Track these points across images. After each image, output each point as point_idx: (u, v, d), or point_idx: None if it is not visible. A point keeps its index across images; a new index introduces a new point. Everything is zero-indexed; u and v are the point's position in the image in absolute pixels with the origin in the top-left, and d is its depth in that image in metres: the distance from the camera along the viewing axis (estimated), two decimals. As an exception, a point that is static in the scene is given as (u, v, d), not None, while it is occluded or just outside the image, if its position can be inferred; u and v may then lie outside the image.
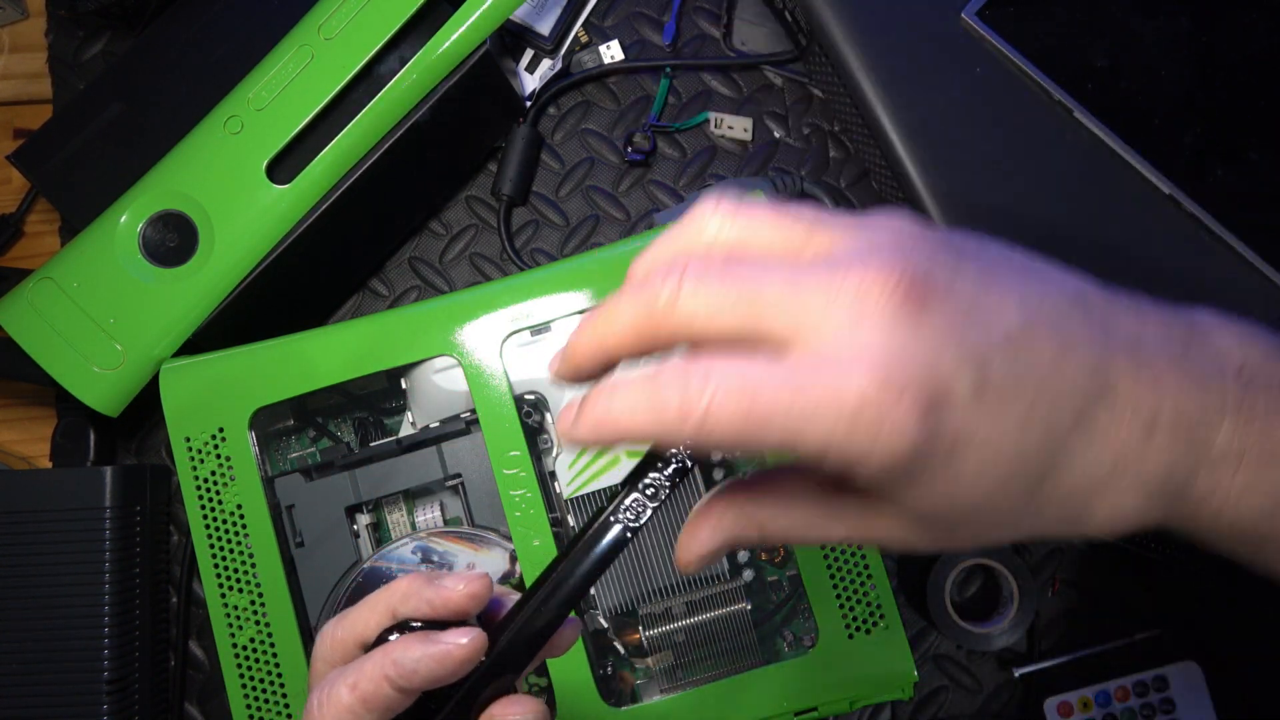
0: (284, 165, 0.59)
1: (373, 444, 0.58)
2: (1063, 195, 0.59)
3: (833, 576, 0.52)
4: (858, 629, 0.51)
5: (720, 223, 0.30)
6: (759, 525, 0.32)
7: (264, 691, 0.53)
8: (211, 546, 0.54)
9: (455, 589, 0.35)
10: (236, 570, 0.54)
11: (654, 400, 0.28)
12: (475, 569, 0.55)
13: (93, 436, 0.64)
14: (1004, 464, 0.28)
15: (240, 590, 0.53)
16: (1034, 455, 0.28)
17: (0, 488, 0.60)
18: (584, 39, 0.68)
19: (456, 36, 0.59)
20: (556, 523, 0.54)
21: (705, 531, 0.32)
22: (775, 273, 0.27)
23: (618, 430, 0.29)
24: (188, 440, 0.55)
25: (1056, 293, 0.29)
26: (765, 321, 0.27)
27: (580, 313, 0.55)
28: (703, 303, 0.28)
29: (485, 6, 0.58)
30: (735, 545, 0.32)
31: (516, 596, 0.36)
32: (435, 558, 0.56)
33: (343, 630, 0.37)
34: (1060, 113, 0.59)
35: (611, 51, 0.68)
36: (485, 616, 0.36)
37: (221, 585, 0.54)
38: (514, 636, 0.34)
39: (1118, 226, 0.58)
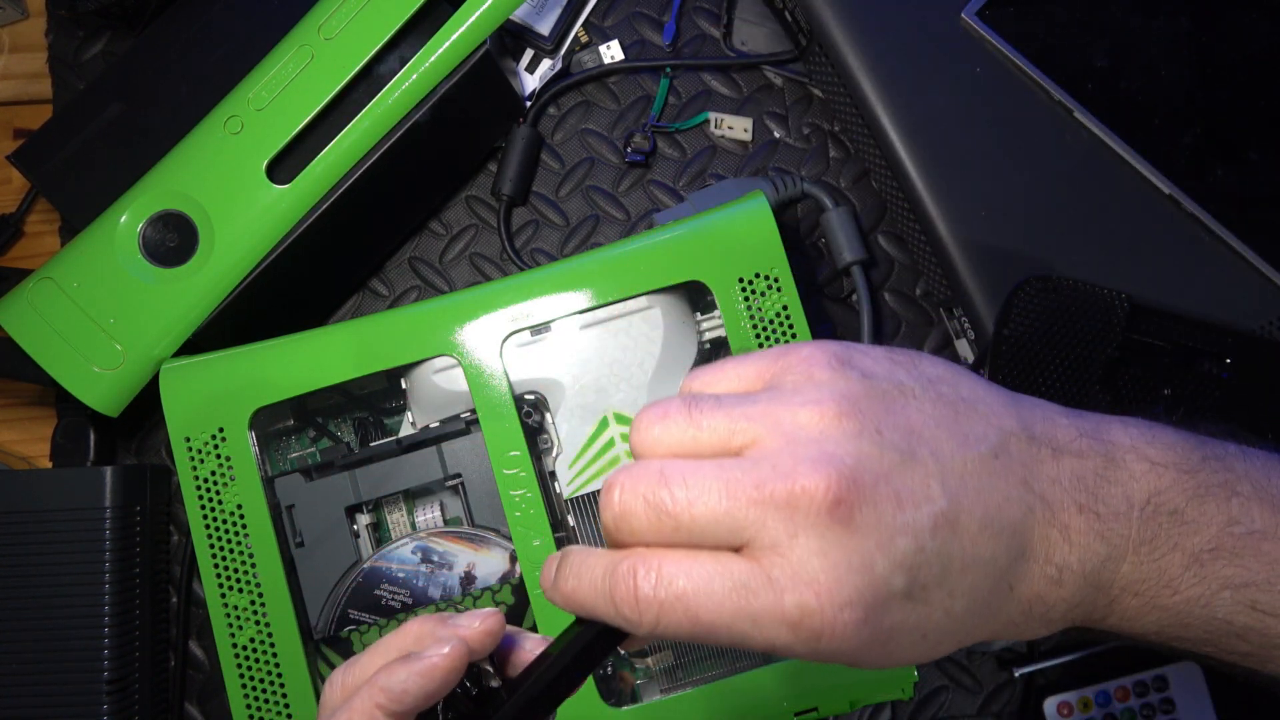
0: (284, 165, 0.59)
1: (373, 444, 0.58)
2: (1063, 195, 0.59)
3: None
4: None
5: (655, 435, 0.31)
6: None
7: (264, 691, 0.53)
8: (211, 546, 0.54)
9: (471, 626, 0.35)
10: (236, 570, 0.54)
11: (612, 595, 0.29)
12: (475, 569, 0.55)
13: (93, 436, 0.64)
14: (930, 639, 0.30)
15: (240, 590, 0.53)
16: (956, 624, 0.30)
17: (0, 488, 0.60)
18: (584, 39, 0.68)
19: (456, 36, 0.59)
20: (557, 523, 0.54)
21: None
22: (708, 492, 0.29)
23: (584, 611, 0.30)
24: (188, 440, 0.55)
25: (979, 448, 0.31)
26: (709, 540, 0.29)
27: (580, 312, 0.55)
28: (650, 535, 0.29)
29: (485, 6, 0.58)
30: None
31: (527, 635, 0.36)
32: (435, 558, 0.56)
33: (350, 677, 0.36)
34: (1060, 113, 0.59)
35: (611, 51, 0.68)
36: (498, 657, 0.36)
37: (221, 585, 0.54)
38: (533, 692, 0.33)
39: (1118, 227, 0.58)
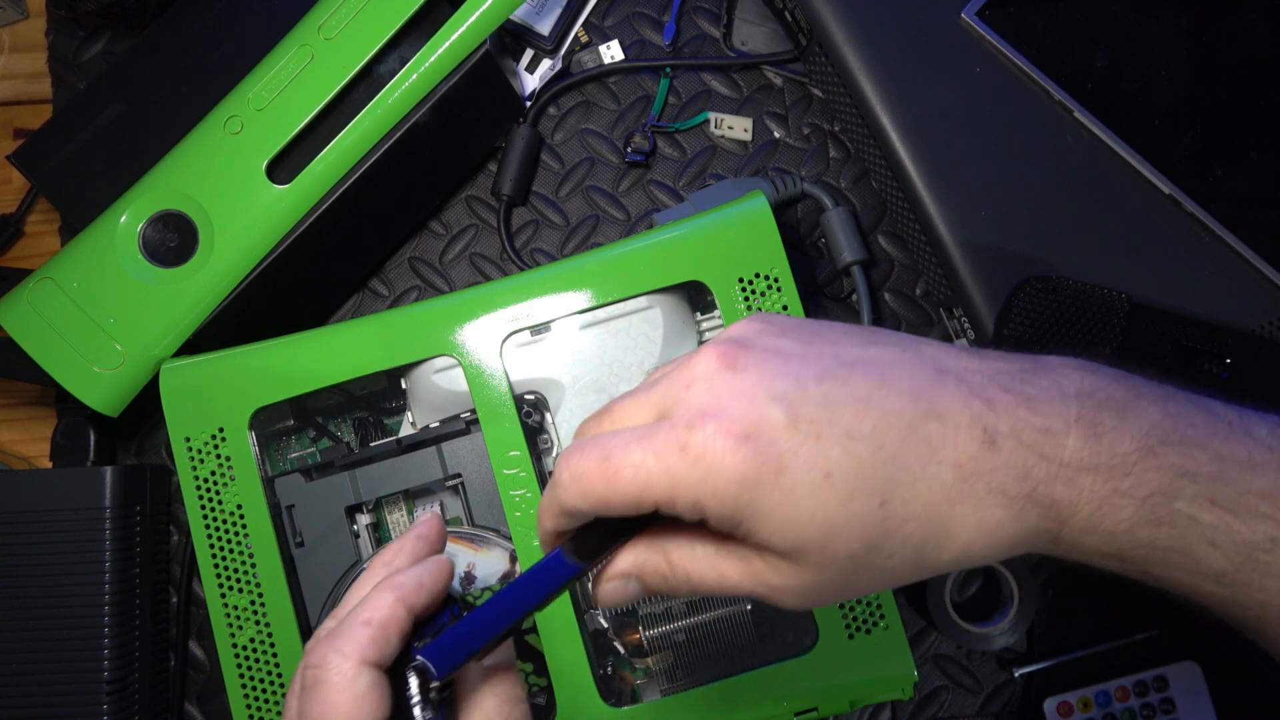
0: (284, 165, 0.59)
1: (373, 444, 0.58)
2: (1063, 195, 0.59)
3: None
4: (858, 629, 0.51)
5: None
6: (665, 554, 0.34)
7: (264, 691, 0.53)
8: (211, 546, 0.54)
9: (417, 534, 0.40)
10: (236, 570, 0.54)
11: (560, 467, 0.34)
12: (475, 570, 0.55)
13: (93, 436, 0.64)
14: (837, 482, 0.31)
15: (240, 590, 0.53)
16: (867, 470, 0.31)
17: (0, 488, 0.60)
18: (584, 39, 0.68)
19: (456, 36, 0.59)
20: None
21: (621, 560, 0.35)
22: (636, 413, 0.34)
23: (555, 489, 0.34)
24: (188, 440, 0.55)
25: (883, 349, 0.33)
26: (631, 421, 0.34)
27: (580, 312, 0.55)
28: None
29: (485, 6, 0.58)
30: (644, 575, 0.35)
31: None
32: (435, 558, 0.56)
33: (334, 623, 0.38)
34: (1060, 113, 0.59)
35: (611, 51, 0.68)
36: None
37: (221, 585, 0.54)
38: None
39: (1118, 227, 0.58)
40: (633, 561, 0.35)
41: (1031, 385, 0.33)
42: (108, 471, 0.60)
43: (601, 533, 0.34)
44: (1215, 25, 0.60)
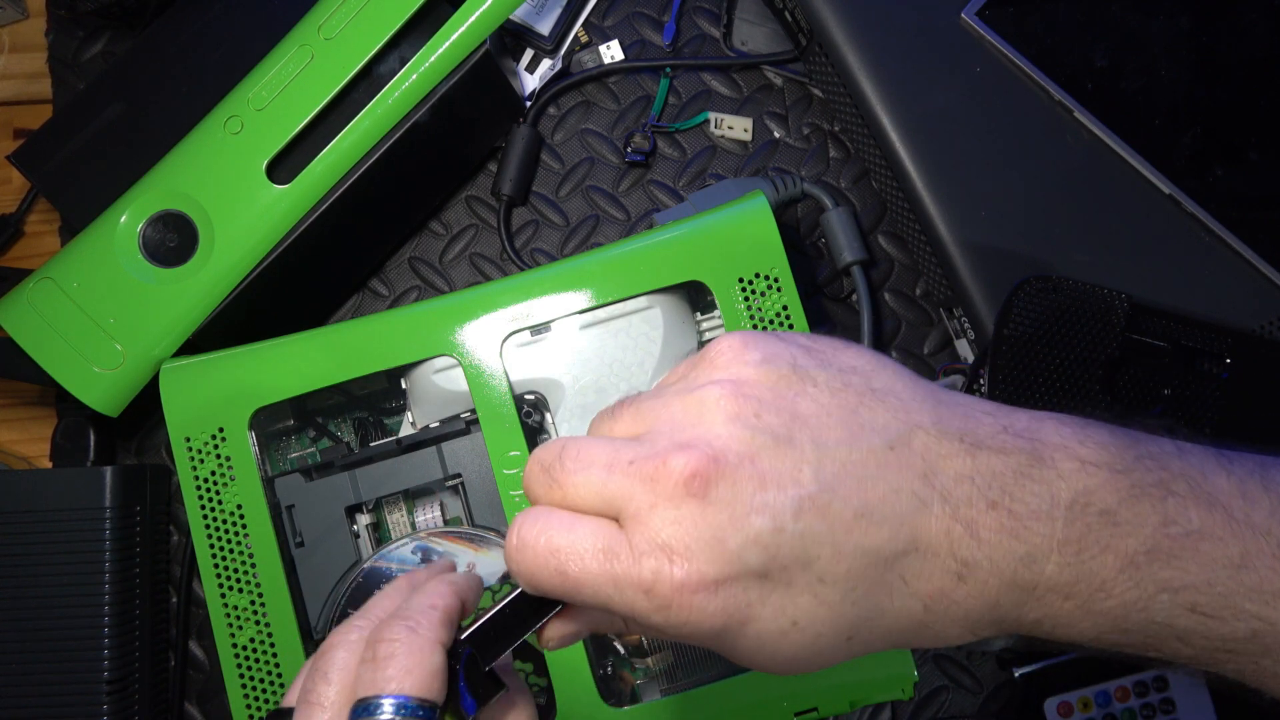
0: (284, 165, 0.59)
1: (373, 444, 0.58)
2: (1063, 195, 0.59)
3: None
4: (858, 629, 0.51)
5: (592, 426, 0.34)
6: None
7: (264, 691, 0.53)
8: (211, 546, 0.54)
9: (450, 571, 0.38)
10: (236, 570, 0.54)
11: (507, 541, 0.32)
12: (475, 569, 0.55)
13: (93, 436, 0.64)
14: (805, 628, 0.30)
15: (240, 590, 0.53)
16: (836, 614, 0.30)
17: (0, 488, 0.60)
18: (584, 39, 0.68)
19: (456, 36, 0.59)
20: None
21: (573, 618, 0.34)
22: (592, 466, 0.31)
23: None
24: (188, 440, 0.55)
25: (872, 440, 0.30)
26: (590, 507, 0.31)
27: (581, 312, 0.54)
28: (544, 499, 0.32)
29: (485, 6, 0.58)
30: (595, 625, 0.34)
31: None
32: (435, 558, 0.56)
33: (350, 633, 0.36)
34: (1060, 113, 0.59)
35: (611, 51, 0.68)
36: None
37: (221, 585, 0.54)
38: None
39: (1118, 227, 0.58)
40: (584, 620, 0.34)
41: (1020, 500, 0.31)
42: (108, 471, 0.60)
43: None
44: (1215, 25, 0.60)
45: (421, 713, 0.32)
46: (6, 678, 0.59)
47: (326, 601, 0.56)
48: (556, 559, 0.30)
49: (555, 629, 0.34)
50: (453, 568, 0.39)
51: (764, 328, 0.53)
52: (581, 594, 0.30)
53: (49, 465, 0.64)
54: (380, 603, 0.37)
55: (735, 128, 0.67)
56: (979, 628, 0.31)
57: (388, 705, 0.31)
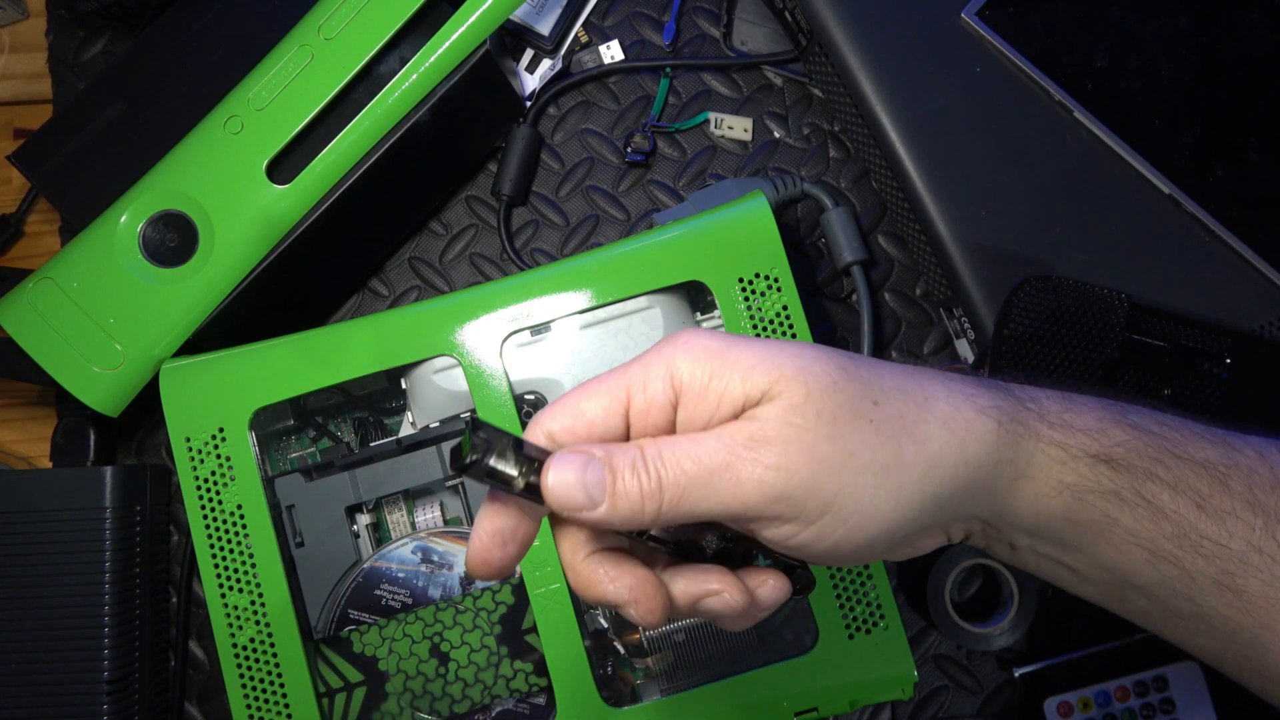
0: (284, 165, 0.59)
1: (373, 444, 0.58)
2: (1063, 195, 0.59)
3: (832, 576, 0.52)
4: (858, 629, 0.51)
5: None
6: (641, 447, 0.33)
7: (264, 691, 0.53)
8: (211, 546, 0.54)
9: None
10: (236, 570, 0.54)
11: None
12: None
13: (93, 436, 0.64)
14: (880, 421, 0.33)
15: (240, 590, 0.53)
16: (888, 424, 0.33)
17: (0, 488, 0.60)
18: (584, 39, 0.68)
19: (456, 37, 0.59)
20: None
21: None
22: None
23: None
24: (188, 440, 0.55)
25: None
26: None
27: (581, 312, 0.54)
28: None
29: (485, 6, 0.58)
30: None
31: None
32: (435, 558, 0.56)
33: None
34: (1060, 113, 0.59)
35: (611, 51, 0.68)
36: None
37: (221, 585, 0.53)
38: None
39: (1117, 227, 0.58)
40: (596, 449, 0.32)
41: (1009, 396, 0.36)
42: (108, 471, 0.60)
43: None
44: (1215, 25, 0.60)
45: None
46: (6, 678, 0.59)
47: (326, 601, 0.56)
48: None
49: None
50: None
51: (764, 328, 0.53)
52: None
53: (49, 465, 0.64)
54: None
55: (735, 128, 0.67)
56: (986, 410, 0.34)
57: None
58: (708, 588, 0.34)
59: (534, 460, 0.31)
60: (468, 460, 0.30)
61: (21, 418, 0.67)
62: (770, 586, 0.35)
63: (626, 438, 0.33)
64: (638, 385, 0.32)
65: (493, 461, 0.30)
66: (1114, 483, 0.35)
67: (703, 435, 0.32)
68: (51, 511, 0.59)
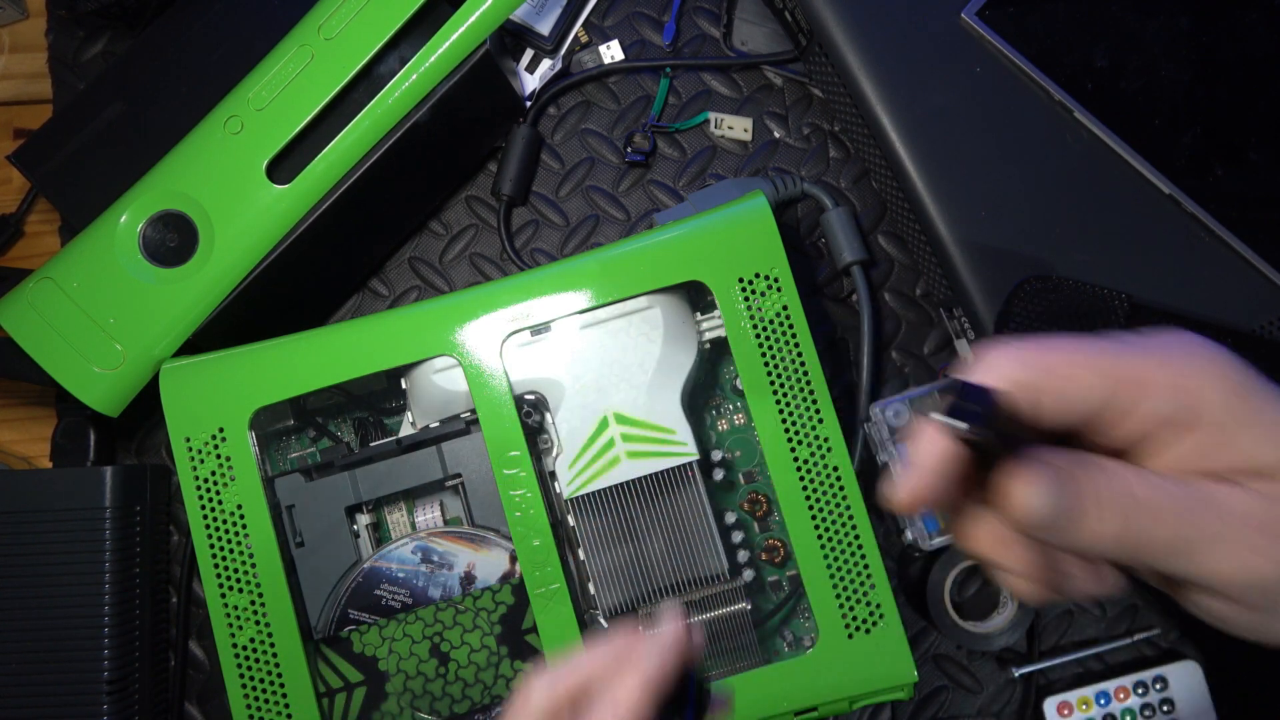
0: (284, 165, 0.59)
1: (373, 444, 0.58)
2: (1063, 195, 0.59)
3: (832, 576, 0.51)
4: (858, 629, 0.51)
5: None
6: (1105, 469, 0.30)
7: (264, 691, 0.53)
8: (211, 546, 0.54)
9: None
10: (236, 570, 0.54)
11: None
12: (475, 569, 0.55)
13: (93, 436, 0.64)
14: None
15: (240, 590, 0.53)
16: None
17: (0, 488, 0.60)
18: (584, 39, 0.68)
19: (456, 37, 0.59)
20: (556, 523, 0.54)
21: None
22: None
23: None
24: (188, 440, 0.55)
25: None
26: None
27: (581, 312, 0.54)
28: None
29: (485, 7, 0.58)
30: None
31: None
32: (435, 558, 0.56)
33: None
34: (1060, 113, 0.59)
35: (611, 51, 0.68)
36: None
37: (221, 585, 0.53)
38: None
39: (1118, 227, 0.58)
40: (1064, 462, 0.30)
41: None
42: (108, 471, 0.60)
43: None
44: (1215, 25, 0.60)
45: None
46: (6, 678, 0.59)
47: (326, 601, 0.56)
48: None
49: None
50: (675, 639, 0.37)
51: (764, 328, 0.53)
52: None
53: (49, 465, 0.64)
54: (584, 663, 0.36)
55: (735, 128, 0.67)
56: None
57: None
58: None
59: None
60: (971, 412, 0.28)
61: (21, 418, 0.67)
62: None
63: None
64: (1132, 381, 0.29)
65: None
66: None
67: (1198, 494, 0.29)
68: (51, 511, 0.59)
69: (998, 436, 0.29)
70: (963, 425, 0.28)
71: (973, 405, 0.28)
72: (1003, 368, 0.30)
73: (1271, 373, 0.56)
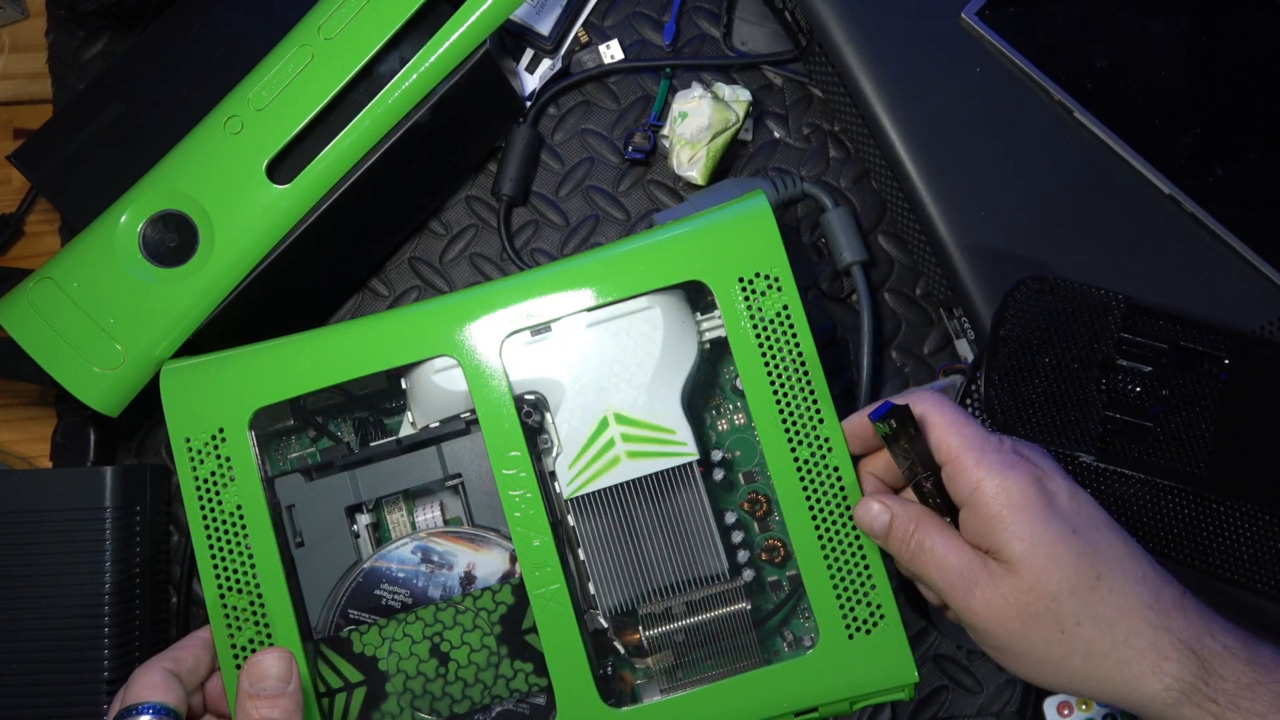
0: (284, 165, 0.59)
1: (373, 444, 0.58)
2: (1063, 195, 0.59)
3: (832, 576, 0.51)
4: (858, 629, 0.51)
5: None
6: (920, 519, 0.47)
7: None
8: (211, 547, 0.54)
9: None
10: (236, 571, 0.53)
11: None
12: (475, 569, 0.55)
13: (93, 436, 0.64)
14: (1070, 632, 0.44)
15: (240, 591, 0.53)
16: (1080, 642, 0.44)
17: (0, 488, 0.60)
18: (584, 39, 0.68)
19: (456, 37, 0.59)
20: (556, 523, 0.54)
21: (890, 497, 0.49)
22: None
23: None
24: (188, 441, 0.54)
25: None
26: None
27: (581, 311, 0.54)
28: None
29: (485, 7, 0.58)
30: (896, 517, 0.47)
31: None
32: (435, 558, 0.56)
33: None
34: (1060, 113, 0.59)
35: (611, 51, 0.68)
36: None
37: (221, 586, 0.53)
38: None
39: (1118, 227, 0.58)
40: (898, 506, 0.47)
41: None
42: (108, 471, 0.60)
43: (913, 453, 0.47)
44: (1215, 25, 0.60)
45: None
46: (6, 678, 0.59)
47: (326, 601, 0.56)
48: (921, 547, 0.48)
49: (871, 506, 0.49)
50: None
51: (764, 327, 0.53)
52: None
53: (49, 465, 0.64)
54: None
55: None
56: (1180, 657, 0.43)
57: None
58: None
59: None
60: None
61: (21, 418, 0.67)
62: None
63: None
64: (953, 463, 0.46)
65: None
66: None
67: (960, 550, 0.45)
68: (51, 511, 0.59)
69: (886, 441, 0.47)
70: (873, 415, 0.46)
71: (883, 412, 0.46)
72: (912, 401, 0.47)
73: (1271, 374, 0.56)
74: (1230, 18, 0.60)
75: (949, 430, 0.46)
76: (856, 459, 0.52)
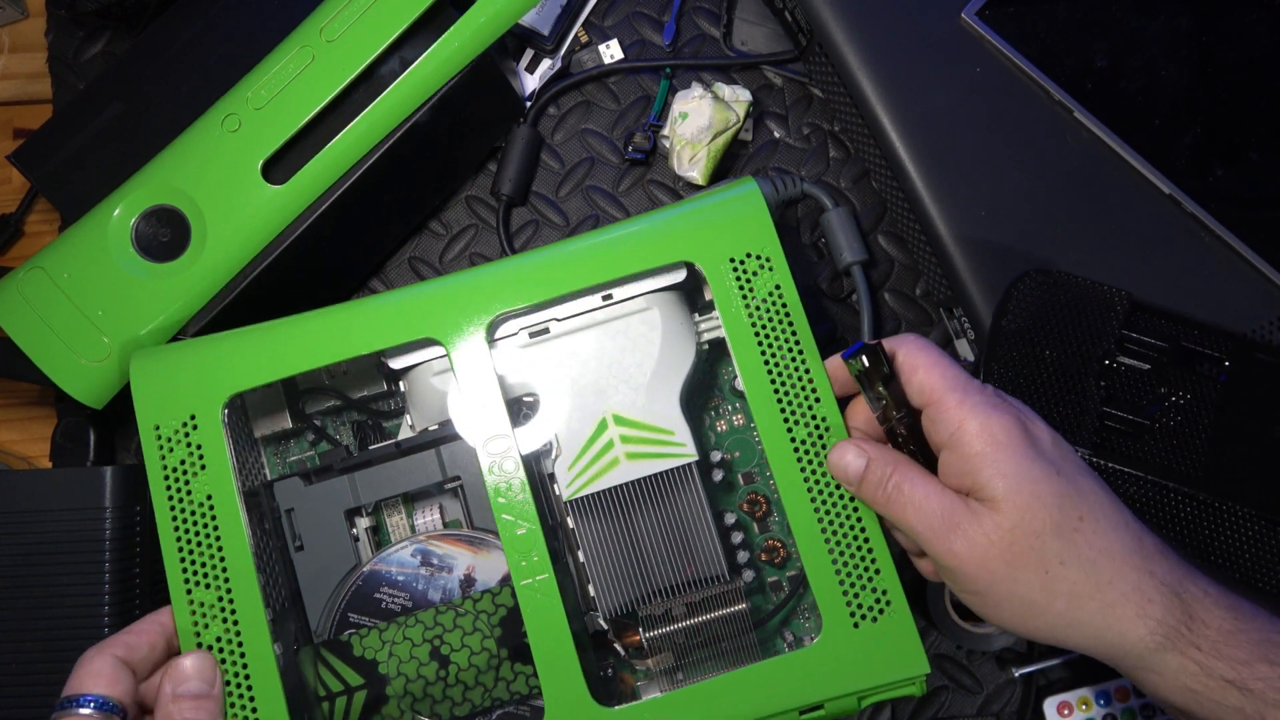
0: (280, 165, 0.59)
1: (371, 447, 0.58)
2: (1063, 195, 0.59)
3: (835, 561, 0.49)
4: (864, 617, 0.49)
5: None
6: (898, 465, 0.46)
7: (232, 692, 0.50)
8: (179, 539, 0.51)
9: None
10: (204, 564, 0.51)
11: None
12: (475, 571, 0.55)
13: (93, 436, 0.64)
14: (1054, 572, 0.44)
15: (207, 586, 0.51)
16: (1065, 580, 0.44)
17: (0, 488, 0.60)
18: (584, 39, 0.68)
19: (458, 44, 0.59)
20: (547, 513, 0.54)
21: (866, 442, 0.48)
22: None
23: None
24: (157, 428, 0.52)
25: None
26: None
27: (574, 297, 0.54)
28: None
29: (490, 15, 0.58)
30: (872, 462, 0.46)
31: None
32: (435, 560, 0.56)
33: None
34: (1060, 113, 0.59)
35: (611, 51, 0.68)
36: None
37: (187, 580, 0.51)
38: None
39: (1118, 226, 0.58)
40: (875, 450, 0.46)
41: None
42: (108, 471, 0.60)
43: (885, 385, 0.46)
44: (1215, 25, 0.60)
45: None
46: (7, 678, 0.59)
47: (326, 605, 0.55)
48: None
49: (846, 453, 0.48)
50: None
51: (757, 307, 0.52)
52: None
53: (49, 465, 0.64)
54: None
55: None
56: (1160, 598, 0.43)
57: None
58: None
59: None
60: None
61: (21, 418, 0.67)
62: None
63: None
64: (936, 405, 0.45)
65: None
66: (1239, 701, 0.41)
67: (942, 495, 0.44)
68: (51, 511, 0.59)
69: (859, 382, 0.47)
70: (847, 354, 0.46)
71: (857, 349, 0.46)
72: (893, 344, 0.47)
73: (1270, 376, 0.56)
74: (1230, 18, 0.60)
75: (932, 371, 0.45)
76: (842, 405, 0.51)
